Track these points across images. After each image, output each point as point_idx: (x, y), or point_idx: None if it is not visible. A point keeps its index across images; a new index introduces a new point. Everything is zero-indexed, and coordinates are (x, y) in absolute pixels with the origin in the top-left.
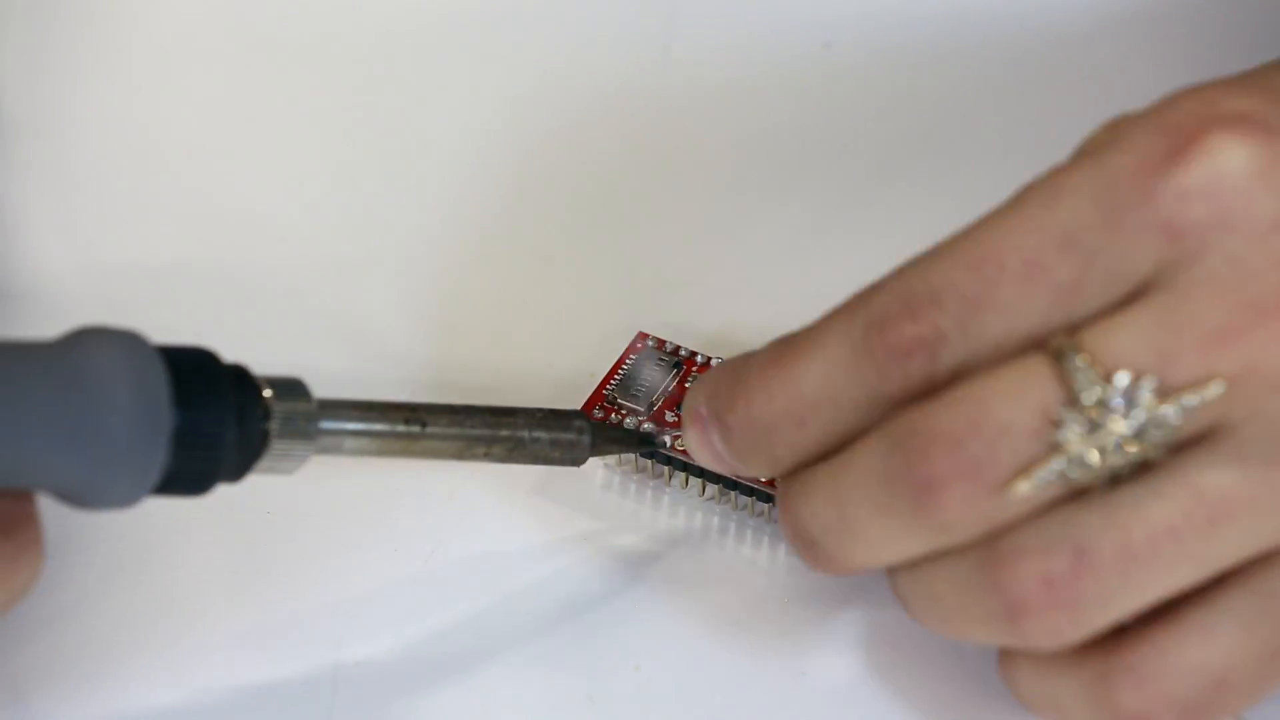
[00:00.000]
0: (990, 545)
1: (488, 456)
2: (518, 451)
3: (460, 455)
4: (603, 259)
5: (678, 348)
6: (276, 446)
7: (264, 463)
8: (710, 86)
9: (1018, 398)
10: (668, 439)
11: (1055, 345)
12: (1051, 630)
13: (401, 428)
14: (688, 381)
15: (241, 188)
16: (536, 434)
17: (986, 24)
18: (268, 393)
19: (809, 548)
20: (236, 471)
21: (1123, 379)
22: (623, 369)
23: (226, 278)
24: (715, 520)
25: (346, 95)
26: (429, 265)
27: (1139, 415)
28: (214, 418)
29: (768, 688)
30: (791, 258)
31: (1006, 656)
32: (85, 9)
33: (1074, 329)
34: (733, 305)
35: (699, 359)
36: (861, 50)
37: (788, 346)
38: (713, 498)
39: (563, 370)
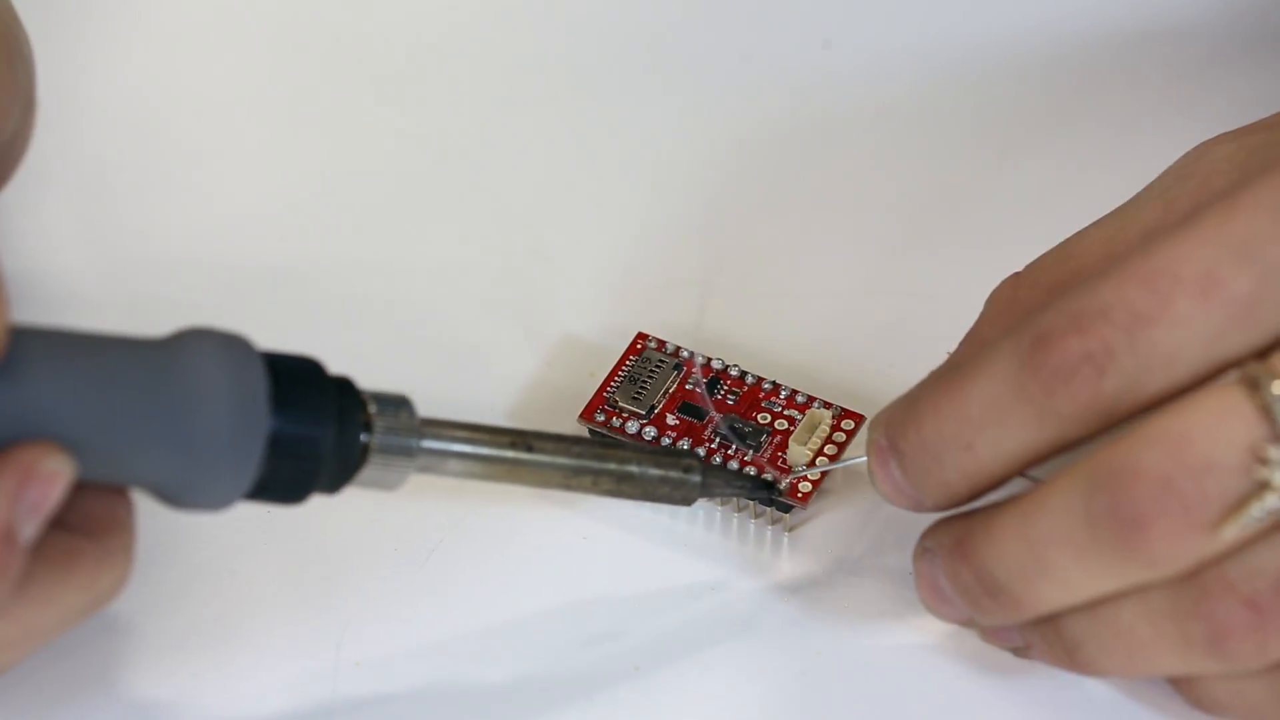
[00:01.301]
0: (1192, 576)
1: (595, 488)
2: (626, 484)
3: (566, 484)
4: (603, 259)
5: (678, 348)
6: (376, 461)
7: (362, 477)
8: (708, 86)
9: (1220, 433)
10: (785, 484)
11: (1250, 373)
12: (1256, 651)
13: (507, 452)
14: (688, 383)
15: (252, 182)
16: (647, 469)
17: (990, 25)
18: (372, 407)
19: (991, 594)
20: (334, 483)
21: None
22: (623, 370)
23: (232, 272)
24: (716, 520)
25: (352, 93)
26: (427, 264)
27: None
28: (312, 426)
29: (768, 688)
30: (792, 257)
31: None
32: (91, 1)
33: (1265, 353)
34: (733, 305)
35: (699, 359)
36: (861, 49)
37: (956, 368)
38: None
39: (563, 371)
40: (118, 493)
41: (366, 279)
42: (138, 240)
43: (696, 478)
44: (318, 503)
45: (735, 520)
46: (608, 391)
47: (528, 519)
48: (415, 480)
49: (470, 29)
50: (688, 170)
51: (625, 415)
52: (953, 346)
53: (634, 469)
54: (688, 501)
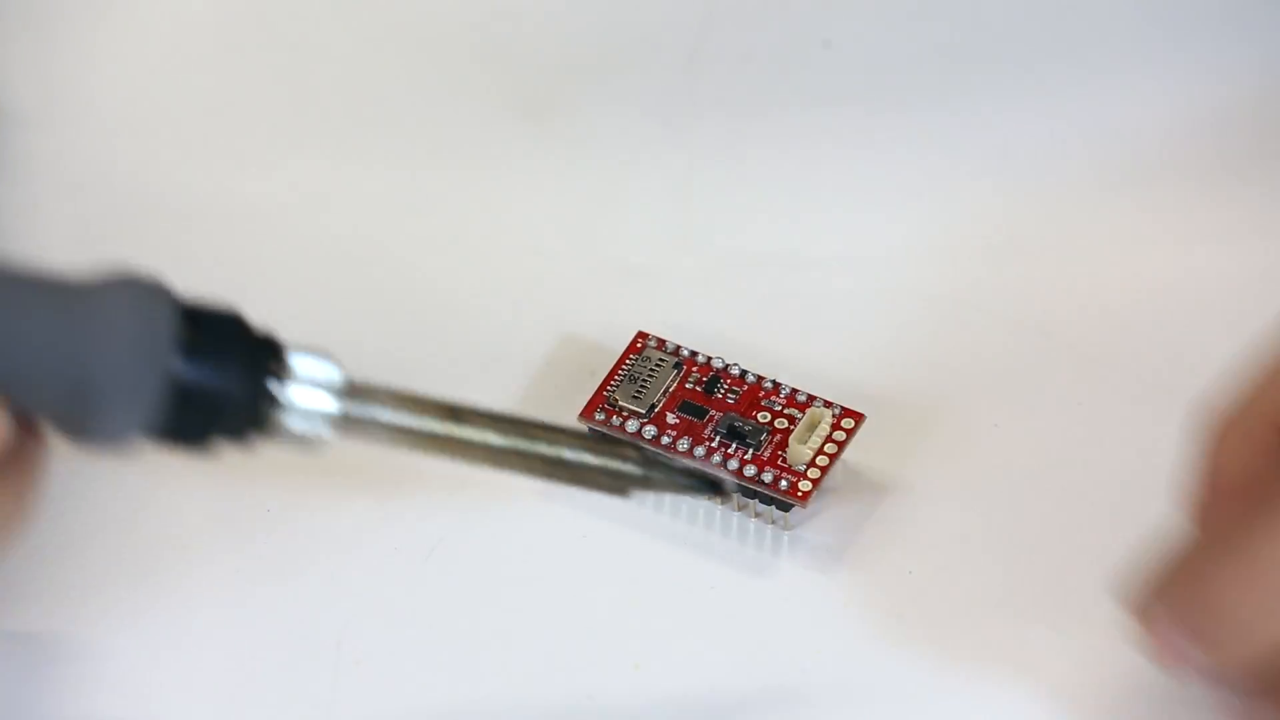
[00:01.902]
0: None
1: (527, 470)
2: (559, 470)
3: (495, 463)
4: (603, 258)
5: (678, 348)
6: (292, 419)
7: (275, 432)
8: (707, 85)
9: None
10: (735, 486)
11: None
12: None
13: (435, 425)
14: (688, 382)
15: (248, 179)
16: (582, 456)
17: (990, 24)
18: (293, 363)
19: (1217, 624)
20: (239, 433)
21: None
22: (623, 369)
23: (230, 265)
24: (716, 520)
25: (353, 90)
26: (427, 262)
27: None
28: (217, 373)
29: (768, 687)
30: (791, 256)
31: None
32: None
33: None
34: (733, 305)
35: (699, 359)
36: (861, 50)
37: (1240, 535)
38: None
39: (563, 370)
40: (26, 428)
41: (365, 277)
42: (129, 237)
43: (635, 469)
44: (318, 502)
45: (735, 519)
46: (608, 390)
47: (528, 518)
48: (415, 479)
49: (468, 28)
50: (688, 169)
51: (625, 414)
52: (952, 344)
53: (567, 454)
54: (623, 493)
